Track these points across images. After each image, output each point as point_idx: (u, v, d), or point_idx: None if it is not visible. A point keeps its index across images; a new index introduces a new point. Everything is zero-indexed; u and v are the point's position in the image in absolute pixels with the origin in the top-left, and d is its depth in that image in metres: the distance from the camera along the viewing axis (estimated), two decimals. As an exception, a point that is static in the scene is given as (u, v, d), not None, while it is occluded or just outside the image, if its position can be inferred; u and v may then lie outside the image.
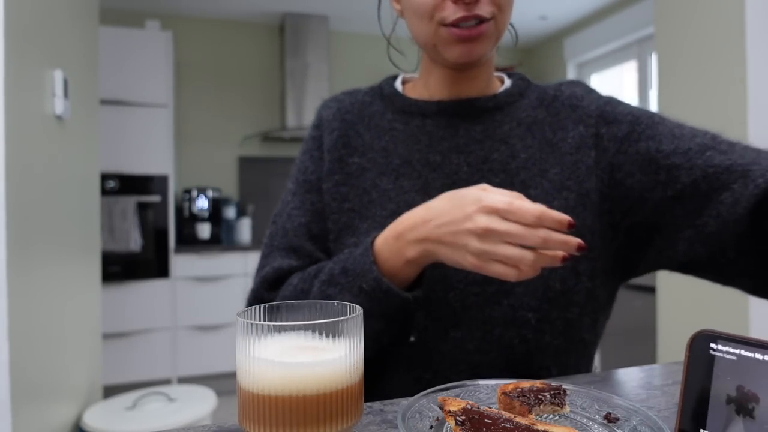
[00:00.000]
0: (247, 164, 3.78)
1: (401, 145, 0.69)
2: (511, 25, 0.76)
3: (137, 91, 3.09)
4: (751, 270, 0.59)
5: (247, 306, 0.68)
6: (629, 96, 3.61)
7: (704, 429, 0.36)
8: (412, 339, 0.63)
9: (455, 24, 0.61)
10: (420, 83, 0.74)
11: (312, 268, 0.66)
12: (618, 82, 3.78)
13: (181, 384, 2.86)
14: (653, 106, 3.32)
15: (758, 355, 0.35)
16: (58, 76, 1.52)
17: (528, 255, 0.51)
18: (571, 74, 4.03)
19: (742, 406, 0.35)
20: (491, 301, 0.62)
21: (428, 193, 0.65)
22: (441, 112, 0.70)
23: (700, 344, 0.38)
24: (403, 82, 0.78)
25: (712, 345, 0.38)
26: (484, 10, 0.60)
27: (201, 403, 1.93)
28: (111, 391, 2.64)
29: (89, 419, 1.78)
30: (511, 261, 0.51)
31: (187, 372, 3.13)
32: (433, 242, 0.55)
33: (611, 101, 0.70)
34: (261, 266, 0.72)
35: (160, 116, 3.13)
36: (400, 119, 0.71)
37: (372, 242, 0.60)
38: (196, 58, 3.71)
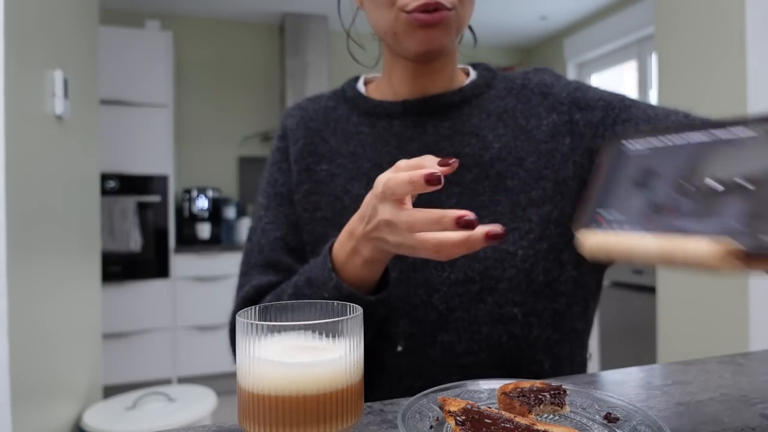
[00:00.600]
0: (247, 164, 3.79)
1: (370, 149, 0.68)
2: (470, 28, 0.75)
3: (137, 91, 3.08)
4: None
5: (230, 329, 0.67)
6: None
7: (610, 208, 0.37)
8: (399, 348, 0.62)
9: (415, 11, 0.59)
10: (383, 82, 0.72)
11: (284, 284, 0.64)
12: (618, 82, 3.78)
13: (181, 384, 2.86)
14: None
15: (668, 142, 0.36)
16: (58, 76, 1.52)
17: (435, 238, 0.46)
18: (571, 74, 4.03)
19: (643, 182, 0.36)
20: (476, 299, 0.61)
21: None
22: (407, 111, 0.68)
23: (614, 145, 0.40)
24: (366, 83, 0.76)
25: (623, 142, 0.40)
26: None
27: (201, 403, 1.93)
28: (111, 391, 2.64)
29: (89, 419, 1.78)
30: (425, 248, 0.47)
31: (187, 372, 3.13)
32: (375, 237, 0.51)
33: (580, 87, 0.69)
34: (240, 285, 0.70)
35: (160, 116, 3.13)
36: (367, 122, 0.70)
37: (330, 247, 0.58)
38: (196, 58, 3.71)
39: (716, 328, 1.68)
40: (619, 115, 0.65)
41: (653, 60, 3.24)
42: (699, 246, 0.29)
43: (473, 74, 0.73)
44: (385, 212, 0.48)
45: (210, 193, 3.40)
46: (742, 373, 0.61)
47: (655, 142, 0.37)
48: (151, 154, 3.12)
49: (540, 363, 0.63)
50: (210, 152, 3.74)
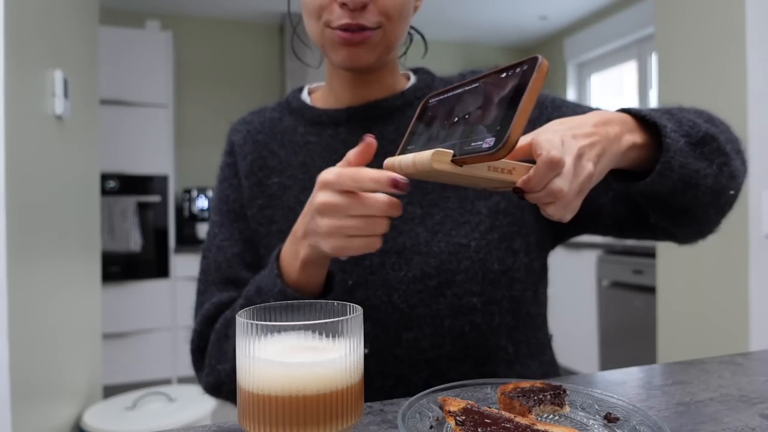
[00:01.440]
0: (247, 164, 3.78)
1: (318, 158, 0.68)
2: (416, 30, 0.78)
3: (137, 91, 3.08)
4: (664, 223, 0.63)
5: (192, 348, 0.68)
6: (629, 96, 3.61)
7: (411, 144, 0.50)
8: (366, 351, 0.62)
9: (338, 28, 0.60)
10: (326, 90, 0.73)
11: (240, 297, 0.64)
12: (618, 82, 3.78)
13: (181, 384, 2.86)
14: (653, 106, 3.32)
15: (448, 94, 0.50)
16: (58, 76, 1.52)
17: (378, 225, 0.49)
18: (571, 74, 4.03)
19: (428, 123, 0.50)
20: (435, 294, 0.62)
21: None
22: (352, 118, 0.69)
23: (425, 99, 0.54)
24: (310, 93, 0.77)
25: (431, 100, 0.52)
26: (368, 19, 0.60)
27: (201, 403, 1.93)
28: (111, 391, 2.64)
29: (89, 419, 1.78)
30: (362, 231, 0.48)
31: (187, 372, 3.13)
32: (312, 235, 0.52)
33: (552, 101, 0.71)
34: (199, 303, 0.70)
35: (160, 116, 3.13)
36: (313, 131, 0.70)
37: (278, 254, 0.58)
38: (196, 58, 3.71)
39: (716, 328, 1.68)
40: (551, 113, 0.68)
41: (653, 60, 3.24)
42: (426, 155, 0.42)
43: (413, 78, 0.74)
44: (323, 196, 0.48)
45: (210, 193, 3.40)
46: (742, 373, 0.61)
47: (444, 94, 0.51)
48: (151, 154, 3.12)
49: (504, 349, 0.66)
50: (210, 152, 3.74)
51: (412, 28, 0.75)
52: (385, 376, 0.63)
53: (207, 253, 0.72)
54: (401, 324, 0.63)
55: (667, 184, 0.55)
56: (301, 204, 0.66)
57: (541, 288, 0.72)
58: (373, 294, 0.63)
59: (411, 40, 0.79)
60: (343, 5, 0.59)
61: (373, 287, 0.63)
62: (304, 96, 0.75)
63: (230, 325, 0.63)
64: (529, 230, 0.67)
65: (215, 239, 0.71)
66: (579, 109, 0.69)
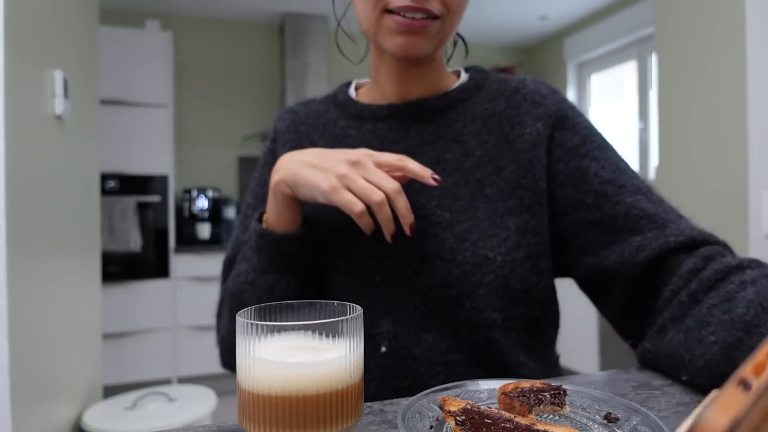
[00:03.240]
0: (247, 164, 3.79)
1: None
2: (461, 38, 0.77)
3: (137, 91, 3.08)
4: (622, 313, 0.61)
5: (217, 312, 0.72)
6: (629, 96, 3.61)
7: None
8: (383, 349, 0.63)
9: (399, 12, 0.58)
10: (371, 85, 0.73)
11: None
12: (618, 82, 3.78)
13: (181, 384, 2.85)
14: (653, 106, 3.32)
15: None
16: (58, 76, 1.52)
17: (379, 192, 0.55)
18: (571, 74, 4.03)
19: None
20: (454, 304, 0.62)
21: None
22: (392, 115, 0.68)
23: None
24: (357, 88, 0.77)
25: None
26: (433, 5, 0.58)
27: (201, 403, 1.93)
28: (111, 391, 2.64)
29: (89, 419, 1.78)
30: (364, 193, 0.55)
31: (187, 372, 3.13)
32: (298, 164, 0.58)
33: (573, 108, 0.68)
34: (225, 279, 0.73)
35: (160, 116, 3.13)
36: (353, 125, 0.70)
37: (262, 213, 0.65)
38: (196, 58, 3.71)
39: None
40: (593, 151, 0.64)
41: (653, 60, 3.24)
42: None
43: (464, 77, 0.72)
44: (365, 158, 0.57)
45: (210, 193, 3.40)
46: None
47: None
48: (151, 154, 3.12)
49: (524, 364, 0.64)
50: (210, 152, 3.74)
51: (456, 34, 0.75)
52: (401, 376, 0.62)
53: (239, 234, 0.73)
54: (421, 325, 0.62)
55: None
56: None
57: (558, 311, 0.71)
58: (395, 293, 0.63)
59: (455, 44, 0.78)
60: None
61: (396, 286, 0.63)
62: (351, 90, 0.75)
63: (236, 272, 0.67)
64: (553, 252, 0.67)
65: (246, 220, 0.73)
66: (623, 164, 0.65)
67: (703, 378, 0.48)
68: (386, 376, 0.63)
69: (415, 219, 0.61)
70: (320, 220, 0.66)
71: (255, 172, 0.77)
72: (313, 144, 0.72)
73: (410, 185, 0.64)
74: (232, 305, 0.66)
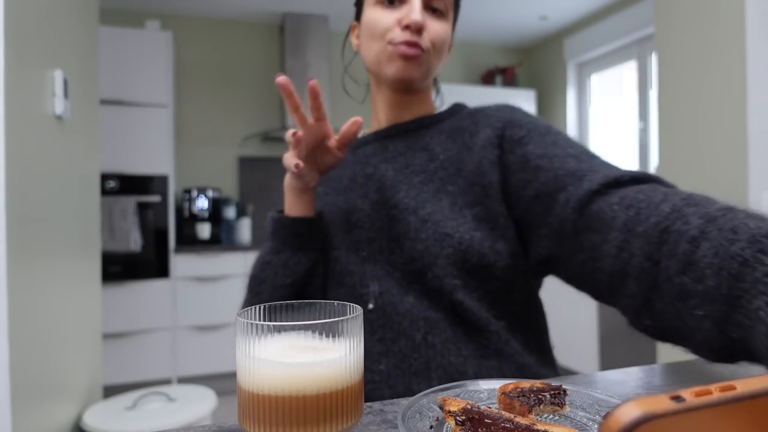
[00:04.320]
0: (247, 164, 3.79)
1: (348, 169, 0.86)
2: (436, 86, 0.93)
3: (137, 91, 3.08)
4: (594, 280, 0.61)
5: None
6: (629, 96, 3.61)
7: None
8: (370, 306, 0.75)
9: (400, 44, 0.76)
10: (371, 120, 0.90)
11: None
12: (618, 82, 3.78)
13: (181, 384, 2.85)
14: (653, 106, 3.32)
15: None
16: (58, 76, 1.52)
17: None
18: (571, 74, 4.03)
19: None
20: (421, 273, 0.73)
21: (368, 196, 0.81)
22: (376, 138, 0.85)
23: None
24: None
25: None
26: (423, 40, 0.77)
27: (201, 403, 1.93)
28: (111, 391, 2.64)
29: (89, 419, 1.78)
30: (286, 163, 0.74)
31: (187, 372, 3.13)
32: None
33: (525, 113, 0.79)
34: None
35: (160, 116, 3.13)
36: (351, 152, 0.89)
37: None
38: (196, 58, 3.71)
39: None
40: (534, 137, 0.73)
41: (653, 60, 3.24)
42: None
43: (442, 108, 0.88)
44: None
45: (210, 193, 3.40)
46: (742, 373, 0.61)
47: None
48: (151, 154, 3.12)
49: (497, 333, 0.71)
50: (210, 152, 3.74)
51: (434, 80, 0.92)
52: (386, 329, 0.74)
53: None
54: (403, 289, 0.74)
55: None
56: (331, 203, 0.84)
57: (524, 288, 0.76)
58: (380, 267, 0.76)
59: (438, 91, 0.95)
60: (406, 27, 0.76)
61: (380, 262, 0.77)
62: (360, 134, 0.93)
63: (250, 278, 0.81)
64: (511, 238, 0.73)
65: None
66: (563, 141, 0.71)
67: (706, 353, 0.49)
68: (373, 329, 0.74)
69: (388, 207, 0.77)
70: (326, 213, 0.84)
71: None
72: (324, 173, 0.89)
73: (385, 182, 0.79)
74: (251, 286, 0.80)
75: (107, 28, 2.98)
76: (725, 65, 1.65)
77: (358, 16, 0.86)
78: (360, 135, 0.92)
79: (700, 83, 1.74)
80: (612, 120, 3.81)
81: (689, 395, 0.22)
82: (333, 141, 0.75)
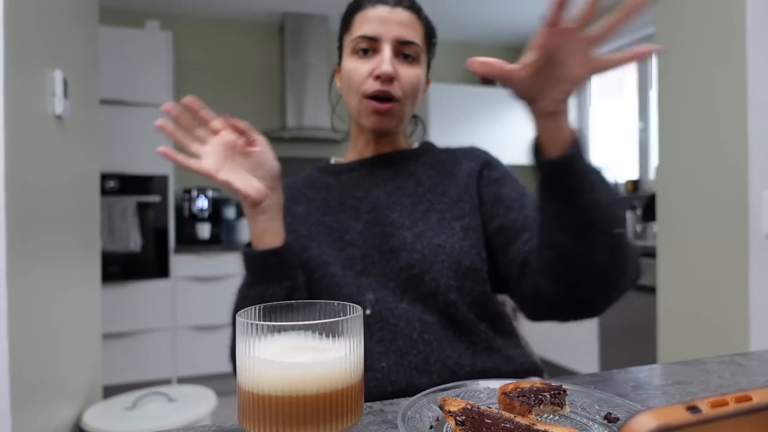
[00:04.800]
0: (247, 164, 3.78)
1: (336, 193, 0.91)
2: (420, 120, 1.05)
3: (137, 91, 3.08)
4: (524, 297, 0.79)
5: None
6: (629, 96, 3.60)
7: None
8: (368, 312, 0.80)
9: (373, 96, 0.84)
10: (350, 151, 0.97)
11: None
12: (618, 83, 3.78)
13: (181, 384, 2.85)
14: (653, 106, 3.32)
15: None
16: (58, 76, 1.52)
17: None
18: (571, 74, 4.03)
19: None
20: (418, 278, 0.80)
21: (359, 217, 0.87)
22: (362, 166, 0.93)
23: None
24: (335, 160, 1.01)
25: None
26: (394, 89, 0.84)
27: (201, 403, 1.93)
28: (111, 391, 2.64)
29: (89, 419, 1.78)
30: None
31: (187, 372, 3.13)
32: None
33: (497, 159, 0.93)
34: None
35: (160, 116, 3.11)
36: (334, 177, 0.94)
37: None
38: (196, 58, 3.71)
39: (716, 328, 1.68)
40: (508, 182, 0.87)
41: (653, 60, 3.24)
42: None
43: (416, 145, 0.97)
44: None
45: (210, 193, 3.40)
46: (742, 373, 0.61)
47: None
48: (151, 154, 3.11)
49: (485, 332, 0.81)
50: (210, 152, 3.73)
51: (416, 116, 1.02)
52: (384, 330, 0.79)
53: None
54: (398, 297, 0.80)
55: (571, 172, 0.64)
56: (321, 223, 0.88)
57: (500, 298, 0.88)
58: (375, 280, 0.82)
59: (416, 124, 1.05)
60: (377, 77, 0.83)
61: (373, 275, 0.82)
62: (332, 161, 1.00)
63: (232, 313, 0.80)
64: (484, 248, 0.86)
65: None
66: (531, 195, 0.84)
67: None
68: (372, 332, 0.78)
69: (382, 225, 0.84)
70: (314, 233, 0.87)
71: None
72: (302, 194, 0.94)
73: (379, 203, 0.86)
74: (233, 321, 0.79)
75: (107, 28, 2.98)
76: (725, 65, 1.65)
77: (339, 60, 0.92)
78: (333, 161, 1.00)
79: (700, 83, 1.74)
80: (612, 121, 3.81)
81: (705, 406, 0.21)
82: (237, 141, 0.75)
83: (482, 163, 0.90)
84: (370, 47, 0.84)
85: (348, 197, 0.90)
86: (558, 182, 0.65)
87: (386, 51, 0.82)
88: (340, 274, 0.82)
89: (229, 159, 0.74)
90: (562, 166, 0.64)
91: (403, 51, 0.84)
